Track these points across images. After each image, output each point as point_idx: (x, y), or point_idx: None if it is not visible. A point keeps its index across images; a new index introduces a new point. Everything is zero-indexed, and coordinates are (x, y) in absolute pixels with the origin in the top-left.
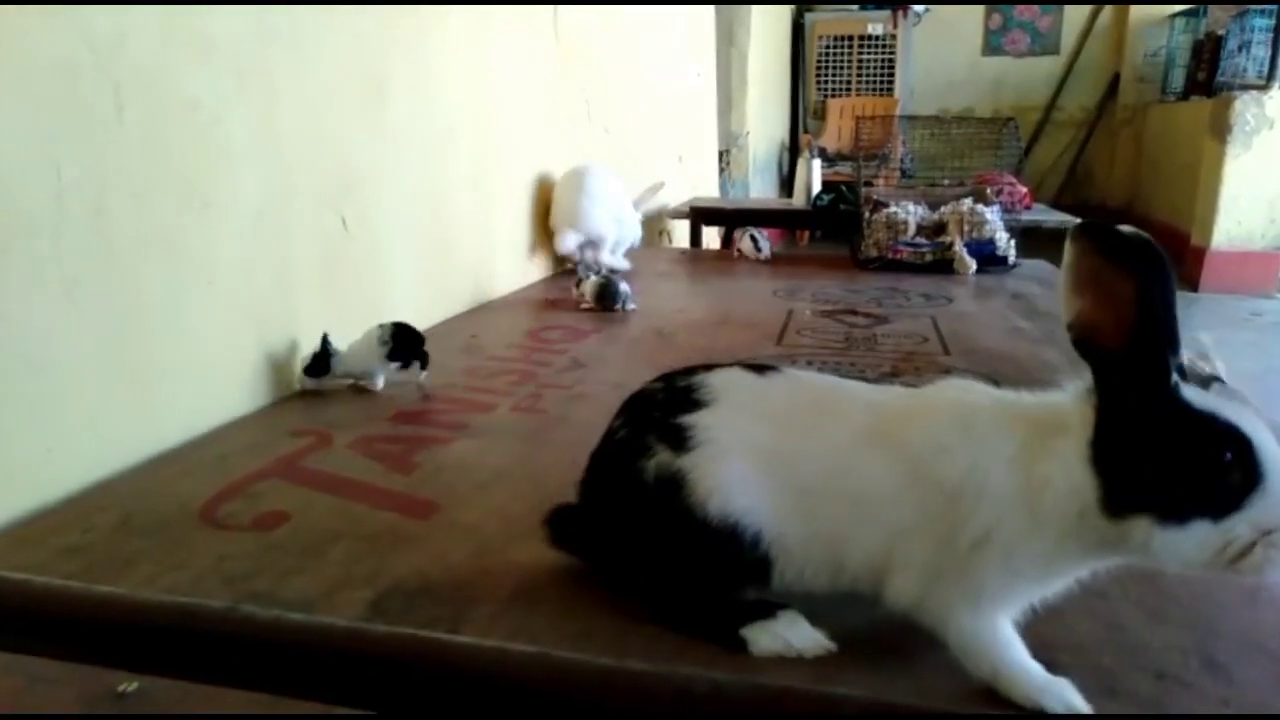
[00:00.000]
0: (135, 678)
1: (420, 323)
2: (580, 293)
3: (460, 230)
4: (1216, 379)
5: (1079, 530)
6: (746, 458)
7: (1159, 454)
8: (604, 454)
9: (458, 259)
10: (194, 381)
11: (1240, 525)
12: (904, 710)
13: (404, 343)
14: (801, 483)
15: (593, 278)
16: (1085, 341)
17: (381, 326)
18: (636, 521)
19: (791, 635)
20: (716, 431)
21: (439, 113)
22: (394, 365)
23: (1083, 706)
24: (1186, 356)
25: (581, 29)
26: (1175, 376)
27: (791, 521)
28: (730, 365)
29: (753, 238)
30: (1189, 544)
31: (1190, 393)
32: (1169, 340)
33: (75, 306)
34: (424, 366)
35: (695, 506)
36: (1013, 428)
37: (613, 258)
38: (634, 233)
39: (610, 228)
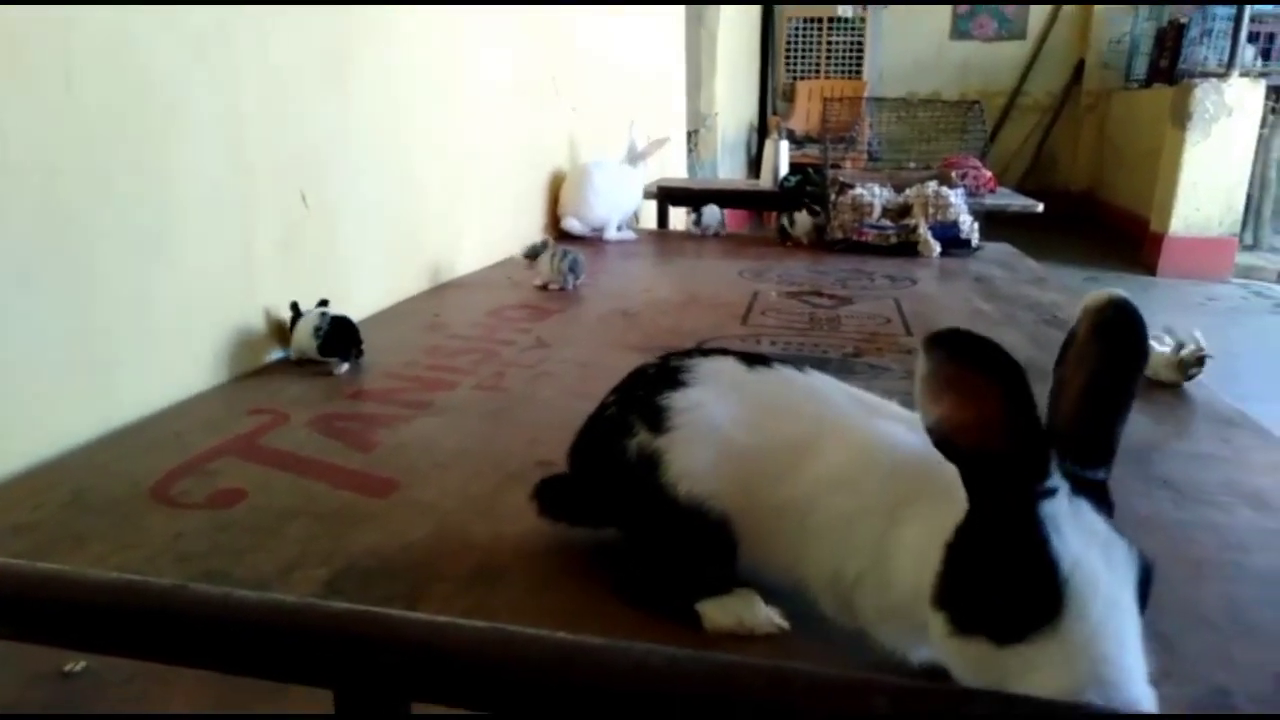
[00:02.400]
0: (82, 657)
1: (382, 300)
2: (536, 270)
3: (424, 208)
4: (1206, 357)
5: (919, 603)
6: (716, 445)
7: (974, 556)
8: (594, 427)
9: (421, 237)
10: (149, 358)
11: (1016, 659)
12: (853, 682)
13: (337, 338)
14: (754, 478)
15: (545, 255)
16: (948, 444)
17: (322, 314)
18: (618, 495)
19: (745, 612)
20: (692, 415)
21: (403, 90)
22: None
23: None
24: (1163, 335)
25: (549, 7)
26: (1055, 483)
27: (748, 513)
28: (727, 353)
29: (700, 213)
30: (967, 659)
31: (1058, 509)
32: (1037, 441)
33: (26, 282)
34: (357, 356)
35: (667, 486)
36: (908, 483)
37: (618, 234)
38: (634, 205)
39: (612, 214)
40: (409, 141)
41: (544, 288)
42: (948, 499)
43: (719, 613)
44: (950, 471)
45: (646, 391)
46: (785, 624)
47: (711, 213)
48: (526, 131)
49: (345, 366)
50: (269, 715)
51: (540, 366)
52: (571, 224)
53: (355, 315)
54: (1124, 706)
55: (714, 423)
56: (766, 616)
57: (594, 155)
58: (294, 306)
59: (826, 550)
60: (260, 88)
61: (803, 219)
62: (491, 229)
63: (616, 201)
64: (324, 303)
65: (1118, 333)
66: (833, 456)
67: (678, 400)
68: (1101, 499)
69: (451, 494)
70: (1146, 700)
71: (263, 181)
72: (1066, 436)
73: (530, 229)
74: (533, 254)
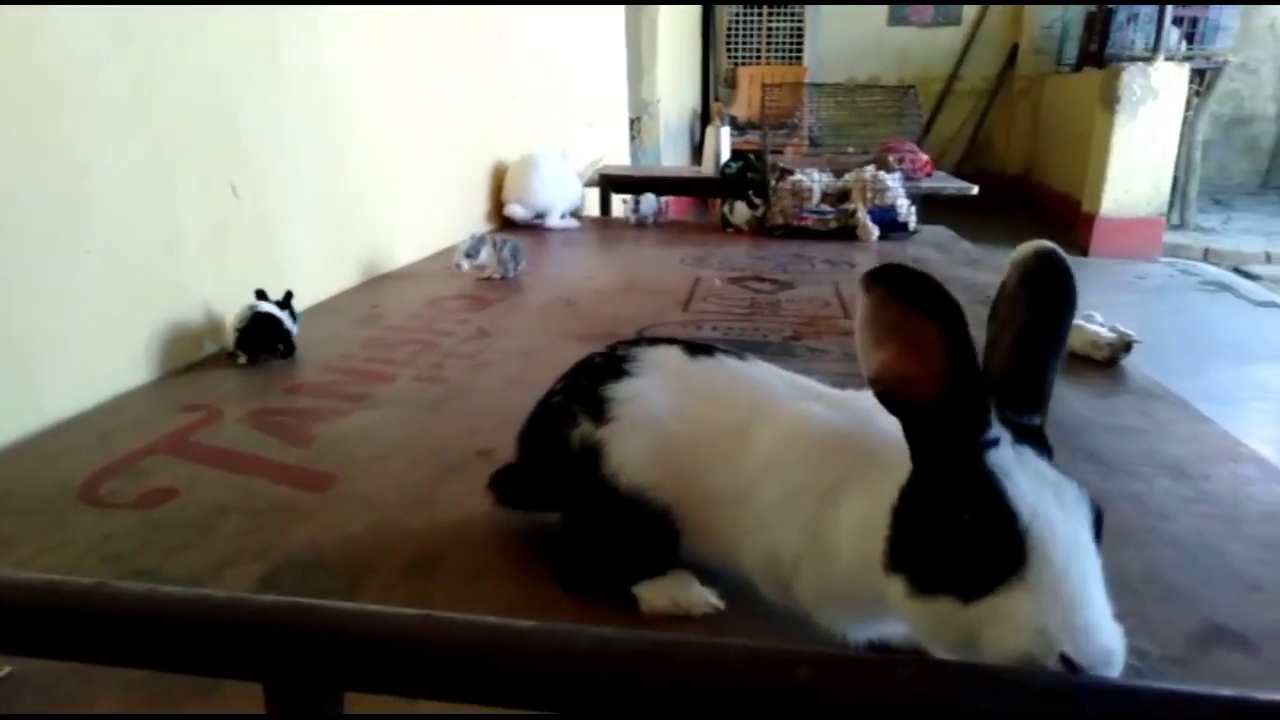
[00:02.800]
0: (7, 661)
1: (319, 293)
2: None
3: (361, 199)
4: (1134, 343)
5: (867, 575)
6: (656, 435)
7: (928, 515)
8: (539, 416)
9: (358, 228)
10: (75, 355)
11: (985, 613)
12: (778, 655)
13: (253, 335)
14: (693, 467)
15: (486, 247)
16: (890, 395)
17: (251, 307)
18: (563, 484)
19: (680, 593)
20: (633, 405)
21: (337, 79)
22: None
23: None
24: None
25: None
26: (997, 432)
27: (688, 501)
28: (673, 342)
29: (636, 201)
30: (932, 620)
31: (1004, 457)
32: (977, 390)
33: None
34: (284, 355)
35: (608, 476)
36: (838, 460)
37: (561, 221)
38: (575, 196)
39: (555, 202)
40: (344, 132)
41: (487, 278)
42: (880, 469)
43: (655, 595)
44: (879, 444)
45: (590, 381)
46: (720, 604)
47: (649, 201)
48: (466, 121)
49: (244, 359)
50: (200, 715)
51: (480, 356)
52: (515, 210)
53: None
54: (1098, 651)
55: (654, 413)
56: (702, 597)
57: (537, 143)
58: (259, 294)
59: (762, 536)
60: (184, 76)
61: (741, 208)
62: (431, 219)
63: (560, 189)
64: (261, 294)
65: (1046, 281)
66: (764, 443)
67: (619, 391)
68: (1042, 443)
69: (390, 486)
70: (1117, 641)
71: (189, 172)
72: (1002, 385)
73: (472, 218)
74: (473, 252)
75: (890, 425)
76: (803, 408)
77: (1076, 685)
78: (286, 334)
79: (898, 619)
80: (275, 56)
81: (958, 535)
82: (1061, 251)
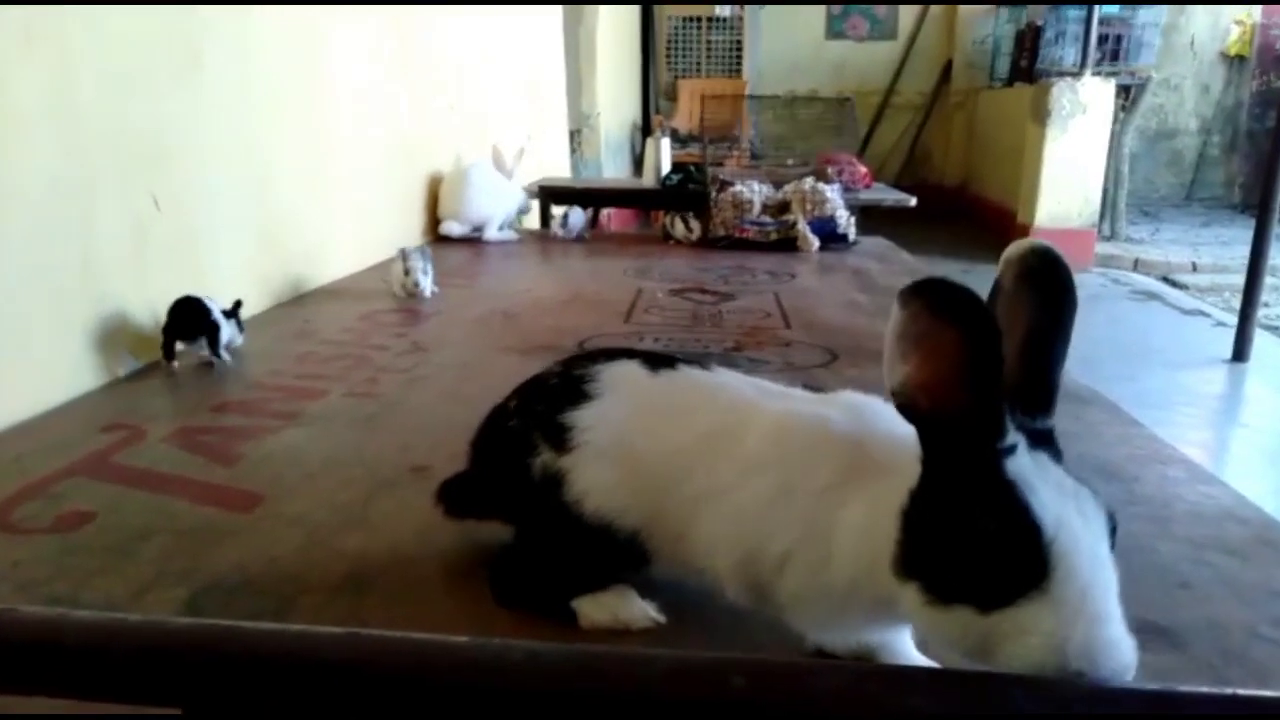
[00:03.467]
0: None
1: (247, 308)
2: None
3: (291, 211)
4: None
5: (869, 579)
6: (621, 460)
7: (946, 522)
8: (495, 436)
9: (288, 241)
10: None
11: (1006, 624)
12: (712, 663)
13: (177, 320)
14: (663, 481)
15: (396, 268)
16: (911, 405)
17: (180, 299)
18: (521, 508)
19: (620, 608)
20: (595, 433)
21: (264, 88)
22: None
23: None
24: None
25: (421, 4)
26: (1013, 438)
27: (658, 517)
28: (630, 357)
29: (565, 215)
30: (949, 628)
31: (1023, 465)
32: (995, 400)
33: None
34: (212, 345)
35: (572, 504)
36: (837, 459)
37: (499, 234)
38: (514, 205)
39: (493, 214)
40: (272, 142)
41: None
42: (882, 471)
43: (595, 609)
44: (877, 444)
45: (548, 407)
46: (661, 618)
47: (576, 215)
48: (400, 132)
49: (219, 355)
50: None
51: (415, 371)
52: (450, 227)
53: None
54: (1119, 667)
55: (619, 437)
56: (643, 611)
57: (473, 155)
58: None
59: (741, 533)
60: (99, 82)
61: (682, 224)
62: (365, 232)
63: (496, 202)
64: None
65: (1047, 280)
66: (749, 441)
67: (581, 418)
68: (1054, 448)
69: (320, 504)
70: (1134, 656)
71: (106, 183)
72: (1013, 388)
73: (408, 231)
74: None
75: (885, 425)
76: (788, 406)
77: (1002, 682)
78: (214, 325)
79: (908, 625)
80: (198, 63)
81: (980, 545)
82: (1056, 248)
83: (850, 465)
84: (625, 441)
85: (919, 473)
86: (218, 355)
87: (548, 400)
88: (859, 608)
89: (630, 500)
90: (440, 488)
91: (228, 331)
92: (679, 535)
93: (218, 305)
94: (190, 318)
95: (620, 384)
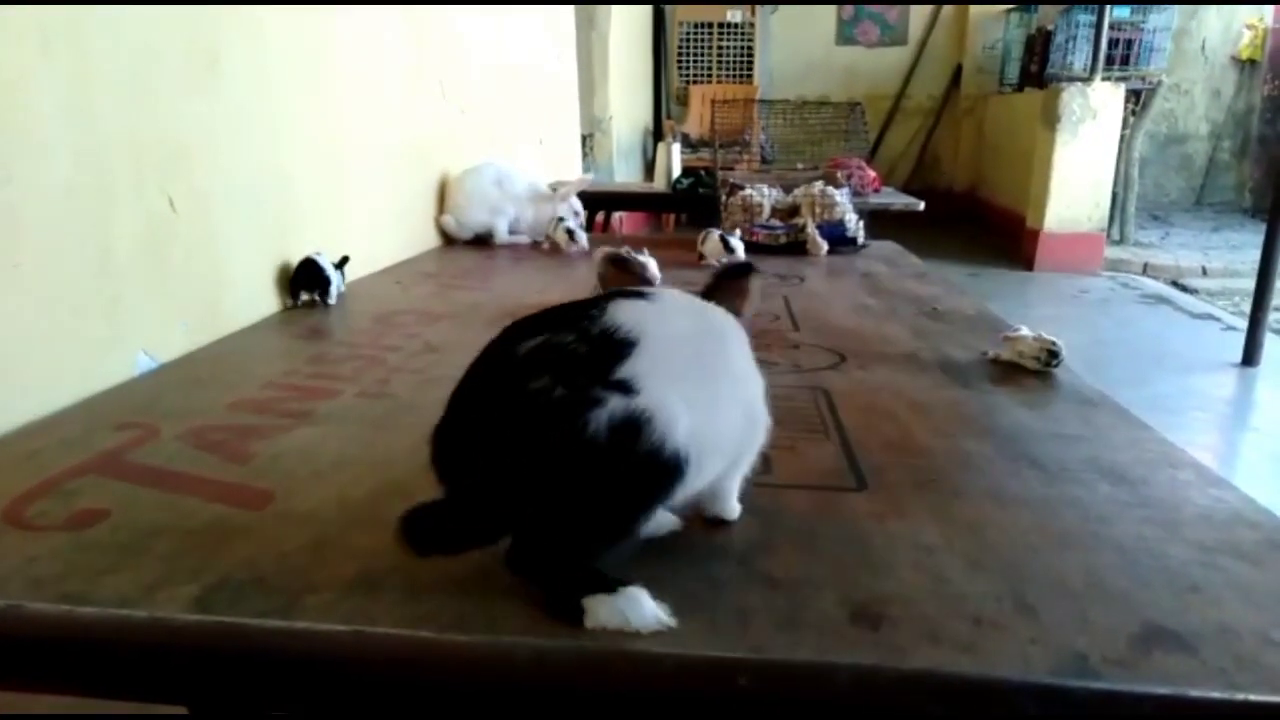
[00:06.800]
0: None
1: (262, 309)
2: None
3: (303, 213)
4: (1054, 352)
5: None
6: (677, 383)
7: None
8: (523, 417)
9: (301, 242)
10: (2, 373)
11: None
12: (718, 662)
13: (301, 274)
14: (707, 395)
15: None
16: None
17: (308, 255)
18: (561, 482)
19: (631, 612)
20: (653, 370)
21: (281, 90)
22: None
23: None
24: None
25: (435, 6)
26: None
27: (698, 434)
28: (622, 295)
29: (568, 228)
30: None
31: None
32: None
33: None
34: (324, 295)
35: (652, 449)
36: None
37: (510, 238)
38: (522, 211)
39: (496, 219)
40: (289, 143)
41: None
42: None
43: (606, 610)
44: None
45: (590, 362)
46: (672, 622)
47: (581, 235)
48: (413, 135)
49: (329, 301)
50: None
51: (428, 372)
52: (446, 224)
53: (233, 324)
54: None
55: (670, 365)
56: (654, 615)
57: (484, 158)
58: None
59: (743, 391)
60: (117, 85)
61: (714, 242)
62: (378, 234)
63: (498, 206)
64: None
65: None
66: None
67: (633, 363)
68: None
69: (331, 503)
70: None
71: (123, 183)
72: None
73: (420, 234)
74: None
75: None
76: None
77: (1011, 685)
78: (326, 280)
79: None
80: (215, 67)
81: None
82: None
83: None
84: (673, 366)
85: None
86: (327, 302)
87: (585, 358)
88: None
89: (687, 421)
90: (403, 521)
91: (336, 280)
92: (711, 446)
93: (329, 261)
94: (311, 273)
95: (642, 318)
